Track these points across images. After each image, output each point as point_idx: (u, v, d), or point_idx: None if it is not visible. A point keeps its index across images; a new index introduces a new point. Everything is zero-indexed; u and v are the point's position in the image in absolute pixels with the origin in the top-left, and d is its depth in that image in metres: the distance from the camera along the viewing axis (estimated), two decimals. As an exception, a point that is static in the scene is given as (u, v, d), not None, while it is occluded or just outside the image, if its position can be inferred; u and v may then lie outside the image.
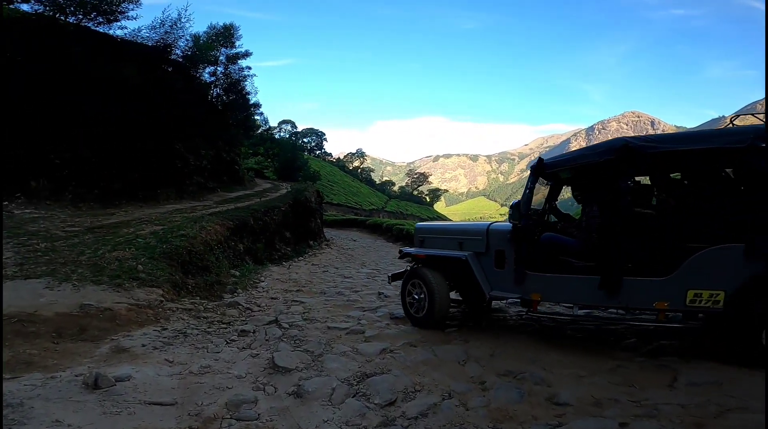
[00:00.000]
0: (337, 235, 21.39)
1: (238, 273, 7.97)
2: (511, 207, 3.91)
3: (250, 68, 20.09)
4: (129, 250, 6.13)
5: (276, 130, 59.67)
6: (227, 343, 4.13)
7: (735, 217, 2.99)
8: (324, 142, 79.06)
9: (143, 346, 3.80)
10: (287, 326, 4.45)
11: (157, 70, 12.79)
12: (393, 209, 64.69)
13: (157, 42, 13.36)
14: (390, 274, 4.94)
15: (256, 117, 24.70)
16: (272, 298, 6.37)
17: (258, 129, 27.18)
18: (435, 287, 4.15)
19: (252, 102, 22.18)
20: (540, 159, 3.88)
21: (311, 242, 15.50)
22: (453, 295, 4.58)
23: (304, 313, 5.19)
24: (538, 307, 3.81)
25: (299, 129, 73.01)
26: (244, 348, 3.95)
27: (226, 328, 4.67)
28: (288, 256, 11.66)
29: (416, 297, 4.34)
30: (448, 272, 4.29)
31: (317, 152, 77.90)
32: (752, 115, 3.43)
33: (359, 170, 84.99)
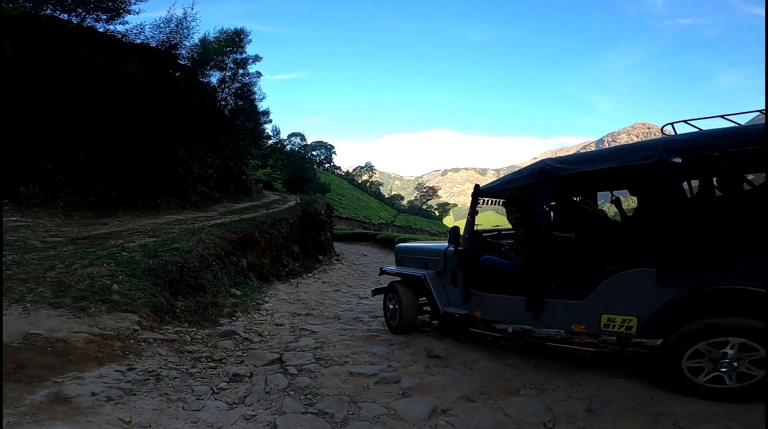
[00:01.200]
0: (347, 249, 20.32)
1: (239, 292, 6.92)
2: (450, 231, 4.24)
3: (260, 74, 19.51)
4: (107, 266, 5.13)
5: (286, 143, 59.53)
6: (213, 392, 3.06)
7: (647, 240, 2.89)
8: (333, 155, 78.77)
9: (93, 395, 2.77)
10: (295, 371, 3.35)
11: (161, 71, 12.08)
12: (402, 223, 63.60)
13: (162, 42, 12.71)
14: (372, 289, 5.54)
15: (266, 126, 24.06)
16: (277, 325, 5.28)
17: (268, 139, 26.53)
18: (404, 300, 4.57)
19: (261, 110, 21.65)
20: (476, 186, 4.12)
21: (321, 257, 14.44)
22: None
23: (316, 348, 4.08)
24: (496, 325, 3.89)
25: (309, 142, 72.98)
26: (235, 404, 2.87)
27: (214, 368, 3.60)
28: (296, 272, 10.60)
29: (390, 307, 4.81)
30: (417, 288, 4.61)
31: (326, 165, 77.53)
32: (685, 122, 3.08)
33: (368, 184, 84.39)
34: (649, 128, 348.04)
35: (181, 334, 4.29)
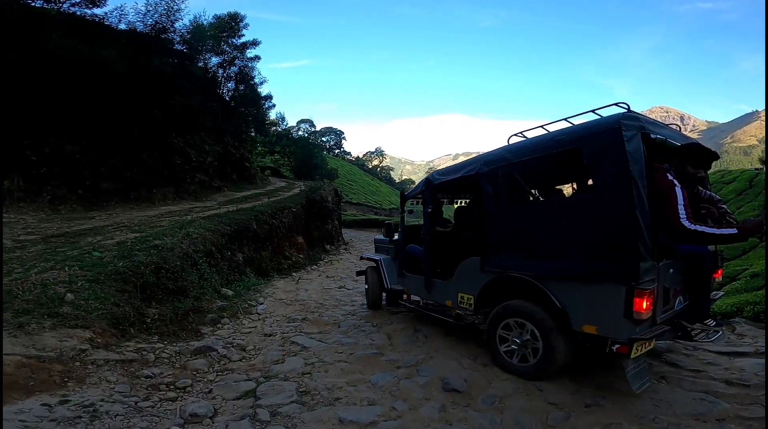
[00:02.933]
0: (357, 236, 19.58)
1: (231, 292, 6.22)
2: (385, 225, 6.03)
3: (258, 58, 18.63)
4: (69, 270, 4.43)
5: (295, 129, 58.62)
6: (159, 444, 2.31)
7: (477, 234, 3.58)
8: (343, 141, 77.60)
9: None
10: (267, 416, 2.56)
11: (149, 57, 11.27)
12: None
13: (151, 27, 11.87)
14: (357, 271, 6.43)
15: (270, 112, 23.22)
16: (266, 336, 4.54)
17: (274, 125, 25.70)
18: (371, 281, 5.61)
19: (263, 95, 20.79)
20: (402, 192, 5.46)
21: (327, 247, 13.72)
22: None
23: (303, 374, 3.30)
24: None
25: (318, 128, 71.98)
26: (180, 467, 2.11)
27: (173, 400, 2.87)
28: (299, 264, 9.88)
29: (365, 288, 5.97)
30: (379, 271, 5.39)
31: (336, 151, 76.57)
32: (565, 119, 3.16)
33: (378, 169, 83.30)
34: (667, 112, 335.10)
35: (144, 353, 3.56)
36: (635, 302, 2.34)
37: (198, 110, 12.52)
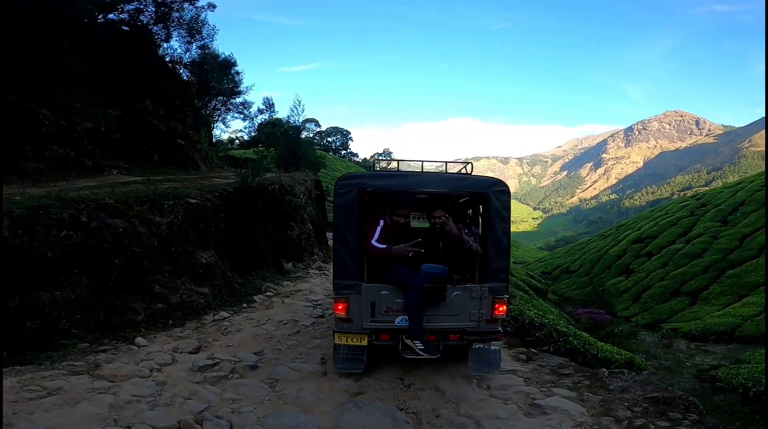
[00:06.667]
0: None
1: None
2: None
3: (213, 6, 13.86)
4: None
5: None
6: None
7: None
8: (350, 142, 74.49)
9: None
10: None
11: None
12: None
13: None
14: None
15: (243, 86, 18.38)
16: None
17: (244, 107, 20.79)
18: None
19: (222, 56, 15.93)
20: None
21: (287, 265, 8.69)
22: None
23: None
24: None
25: (323, 128, 69.49)
26: None
27: None
28: (192, 309, 4.87)
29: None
30: None
31: (342, 152, 73.16)
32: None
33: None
34: (682, 116, 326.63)
35: None
36: (334, 305, 3.56)
37: (63, 49, 7.64)
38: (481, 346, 3.63)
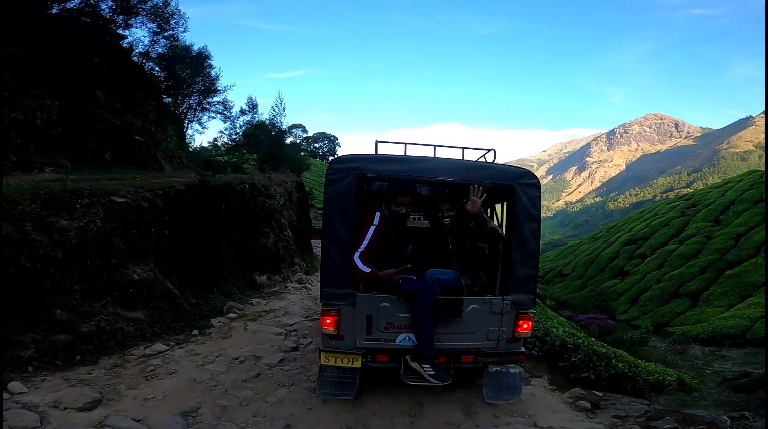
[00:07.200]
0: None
1: None
2: None
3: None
4: None
5: (286, 135, 54.52)
6: None
7: None
8: (337, 148, 73.95)
9: None
10: None
11: None
12: (410, 218, 57.43)
13: None
14: None
15: (220, 83, 17.21)
16: None
17: (225, 106, 19.55)
18: None
19: (196, 49, 14.75)
20: None
21: (260, 278, 7.51)
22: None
23: None
24: None
25: (311, 133, 68.93)
26: None
27: None
28: (116, 341, 3.65)
29: None
30: None
31: (330, 158, 72.70)
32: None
33: (371, 176, 79.38)
34: (661, 119, 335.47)
35: None
36: (321, 318, 2.94)
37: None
38: (499, 369, 3.13)
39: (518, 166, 3.34)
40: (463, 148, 3.40)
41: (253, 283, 7.09)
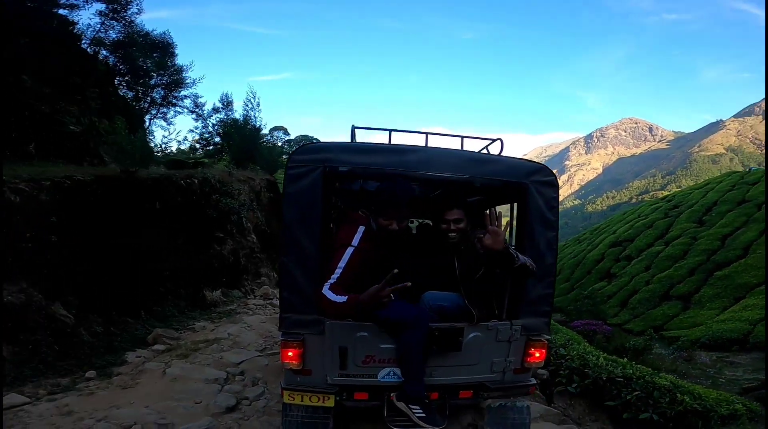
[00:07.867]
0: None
1: None
2: None
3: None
4: None
5: (267, 137, 53.39)
6: None
7: None
8: None
9: None
10: None
11: None
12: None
13: None
14: None
15: (188, 74, 15.83)
16: None
17: (196, 98, 18.12)
18: None
19: (154, 35, 13.35)
20: None
21: (217, 294, 6.22)
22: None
23: None
24: None
25: (293, 136, 67.66)
26: None
27: None
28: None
29: None
30: None
31: None
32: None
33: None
34: (636, 123, 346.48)
35: None
36: (281, 351, 2.38)
37: None
38: (503, 402, 2.65)
39: (533, 161, 2.58)
40: (462, 137, 2.67)
41: (202, 302, 5.81)
